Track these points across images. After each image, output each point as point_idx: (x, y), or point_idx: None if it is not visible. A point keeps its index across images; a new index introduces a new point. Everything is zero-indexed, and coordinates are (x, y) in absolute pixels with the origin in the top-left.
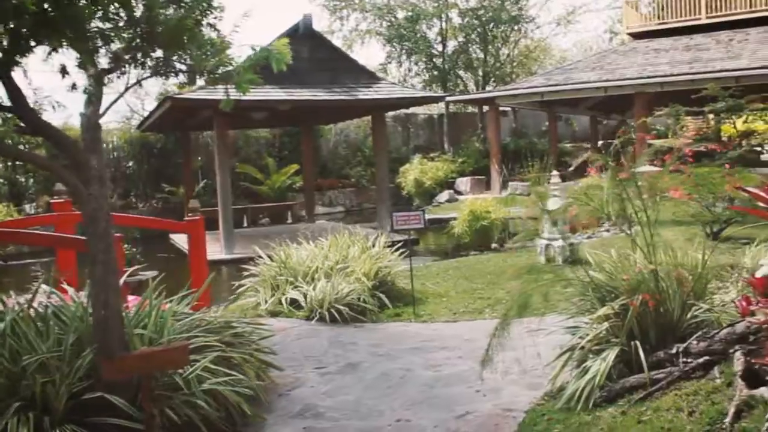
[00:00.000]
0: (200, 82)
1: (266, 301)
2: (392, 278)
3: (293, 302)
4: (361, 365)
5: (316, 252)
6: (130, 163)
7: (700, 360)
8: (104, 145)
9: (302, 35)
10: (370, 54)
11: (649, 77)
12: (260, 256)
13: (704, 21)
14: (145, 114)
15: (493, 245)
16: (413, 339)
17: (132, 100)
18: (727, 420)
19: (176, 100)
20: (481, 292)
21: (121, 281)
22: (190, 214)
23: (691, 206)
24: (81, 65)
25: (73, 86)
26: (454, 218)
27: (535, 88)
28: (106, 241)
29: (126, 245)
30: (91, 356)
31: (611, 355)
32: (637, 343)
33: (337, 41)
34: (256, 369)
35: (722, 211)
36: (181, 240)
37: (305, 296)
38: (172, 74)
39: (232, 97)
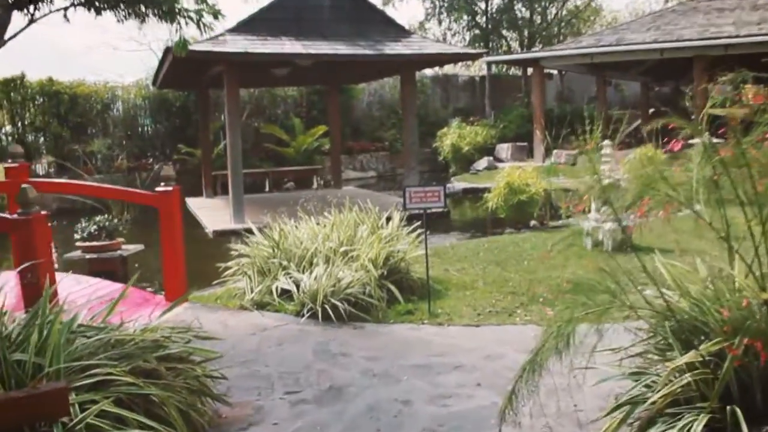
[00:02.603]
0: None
1: (252, 290)
2: (406, 265)
3: (285, 292)
4: (347, 390)
5: (316, 231)
6: (147, 122)
7: None
8: (120, 102)
9: None
10: (412, 14)
11: (711, 39)
12: (249, 232)
13: None
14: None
15: (532, 222)
16: (421, 351)
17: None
18: None
19: None
20: (514, 284)
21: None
22: (162, 184)
23: None
24: None
25: None
26: (490, 188)
27: (584, 49)
28: None
29: (102, 216)
30: None
31: (698, 427)
32: (737, 410)
33: None
34: (188, 406)
35: None
36: (194, 205)
37: (298, 286)
38: (106, 7)
39: (246, 51)
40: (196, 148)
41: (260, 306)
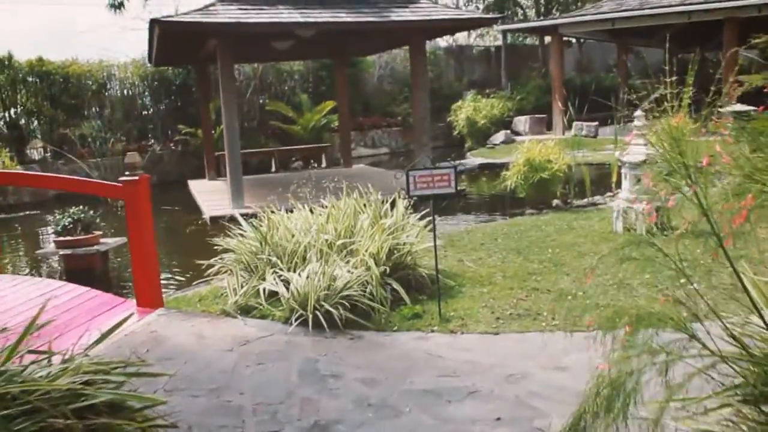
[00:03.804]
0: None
1: (237, 291)
2: (413, 258)
3: (273, 294)
4: (334, 429)
5: (311, 221)
6: (146, 101)
7: None
8: (117, 82)
9: None
10: None
11: None
12: (246, 217)
13: None
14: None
15: (555, 202)
16: (429, 370)
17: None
18: None
19: (163, 23)
20: (538, 277)
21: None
22: (127, 173)
23: None
24: None
25: None
26: (509, 164)
27: (606, 15)
28: None
29: (77, 208)
30: None
31: None
32: None
33: None
34: None
35: None
36: (195, 188)
37: (288, 287)
38: None
39: (239, 22)
40: (197, 128)
41: (245, 311)
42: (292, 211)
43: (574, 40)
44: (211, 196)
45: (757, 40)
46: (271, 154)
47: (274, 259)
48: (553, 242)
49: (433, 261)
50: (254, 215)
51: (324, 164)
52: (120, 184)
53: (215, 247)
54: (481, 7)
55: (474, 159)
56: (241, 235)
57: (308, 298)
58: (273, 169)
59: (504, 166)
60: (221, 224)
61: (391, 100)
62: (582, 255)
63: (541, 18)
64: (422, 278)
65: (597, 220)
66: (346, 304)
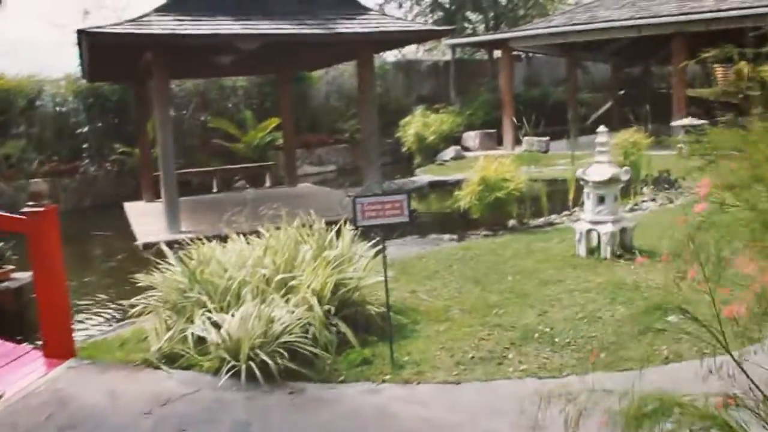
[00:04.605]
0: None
1: (160, 337)
2: (362, 295)
3: (204, 339)
4: None
5: (246, 253)
6: (80, 119)
7: None
8: (48, 98)
9: None
10: None
11: (692, 14)
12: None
13: None
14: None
15: (511, 222)
16: None
17: None
18: None
19: (92, 35)
20: (500, 310)
21: None
22: (31, 203)
23: None
24: None
25: None
26: (460, 181)
27: (556, 28)
28: None
29: None
30: None
31: None
32: None
33: None
34: None
35: None
36: (131, 211)
37: (219, 331)
38: None
39: (174, 34)
40: (135, 147)
41: (170, 359)
42: (226, 240)
43: (523, 56)
44: (146, 219)
45: (705, 55)
46: (213, 173)
47: (204, 298)
48: (513, 268)
49: (383, 294)
50: (181, 245)
51: (268, 183)
52: (22, 216)
53: (140, 284)
54: (430, 22)
55: (423, 176)
56: (168, 270)
57: (241, 345)
58: (215, 189)
59: (455, 184)
60: (155, 252)
61: (339, 117)
62: (545, 283)
63: (491, 32)
64: (372, 316)
65: (557, 242)
66: (284, 353)
